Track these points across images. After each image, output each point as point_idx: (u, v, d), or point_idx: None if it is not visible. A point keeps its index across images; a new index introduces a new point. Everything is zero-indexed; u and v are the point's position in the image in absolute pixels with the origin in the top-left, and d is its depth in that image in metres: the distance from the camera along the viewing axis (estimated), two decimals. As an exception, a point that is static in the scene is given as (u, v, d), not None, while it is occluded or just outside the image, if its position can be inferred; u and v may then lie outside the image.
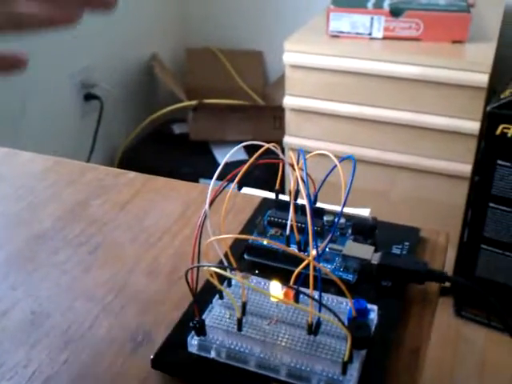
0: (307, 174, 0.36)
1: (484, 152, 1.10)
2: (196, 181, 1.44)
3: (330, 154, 0.33)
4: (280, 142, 1.29)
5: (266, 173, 1.31)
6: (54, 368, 0.35)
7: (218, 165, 1.33)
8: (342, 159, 0.34)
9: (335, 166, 0.34)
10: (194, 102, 1.48)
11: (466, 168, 1.16)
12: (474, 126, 1.11)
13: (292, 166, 0.38)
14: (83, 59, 1.42)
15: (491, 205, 1.13)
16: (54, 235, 0.45)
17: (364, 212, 0.88)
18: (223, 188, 0.36)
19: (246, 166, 0.35)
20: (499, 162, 1.08)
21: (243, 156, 1.48)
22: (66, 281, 0.41)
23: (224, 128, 1.50)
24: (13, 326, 0.38)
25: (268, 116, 1.48)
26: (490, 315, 1.28)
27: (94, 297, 0.40)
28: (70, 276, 0.42)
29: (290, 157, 0.38)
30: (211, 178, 1.41)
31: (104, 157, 1.55)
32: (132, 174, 0.53)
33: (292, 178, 0.38)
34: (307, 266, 0.32)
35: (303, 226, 0.40)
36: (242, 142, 1.50)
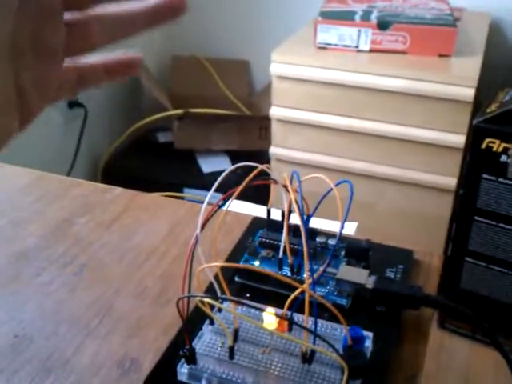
0: (302, 196, 0.35)
1: (469, 166, 1.10)
2: (180, 190, 1.42)
3: (326, 178, 0.32)
4: (266, 153, 1.28)
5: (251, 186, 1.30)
6: (37, 396, 0.34)
7: (203, 174, 1.32)
8: (337, 183, 0.33)
9: (331, 189, 0.33)
10: (179, 111, 1.47)
11: (452, 181, 1.16)
12: (459, 139, 1.12)
13: (286, 187, 0.37)
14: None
15: (476, 218, 1.13)
16: (38, 254, 0.44)
17: (351, 226, 0.87)
18: (216, 211, 0.35)
19: (239, 189, 0.34)
20: (484, 175, 1.08)
21: (228, 166, 1.47)
22: (50, 303, 0.40)
23: (209, 137, 1.49)
24: (-6, 351, 0.36)
25: (254, 126, 1.48)
26: (475, 328, 1.28)
27: (79, 320, 0.38)
28: (55, 298, 0.40)
29: (284, 179, 0.37)
30: (196, 188, 1.40)
31: (87, 165, 1.53)
32: (118, 190, 0.51)
33: (285, 198, 0.37)
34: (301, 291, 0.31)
35: (296, 247, 0.39)
36: (227, 151, 1.50)
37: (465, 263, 1.22)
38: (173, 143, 1.53)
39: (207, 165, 1.48)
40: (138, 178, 1.41)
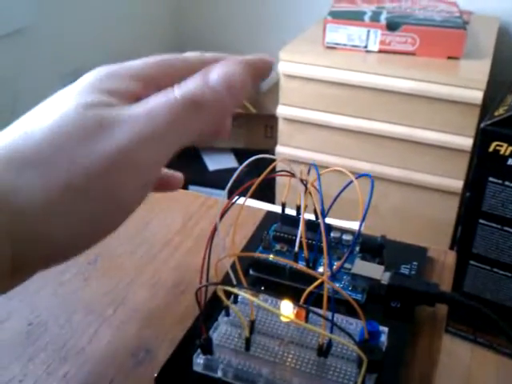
0: (317, 189, 0.35)
1: (476, 169, 1.10)
2: (185, 187, 1.42)
3: (346, 171, 0.32)
4: (271, 152, 1.28)
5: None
6: (52, 384, 0.34)
7: (208, 172, 1.32)
8: (358, 176, 0.33)
9: (350, 181, 0.33)
10: (185, 108, 1.47)
11: (458, 184, 1.16)
12: (466, 142, 1.12)
13: (302, 181, 0.37)
14: (74, 60, 1.41)
15: (481, 221, 1.14)
16: (52, 243, 0.44)
17: (357, 225, 0.87)
18: (233, 203, 0.35)
19: (257, 181, 0.34)
20: (491, 179, 1.08)
21: (233, 164, 1.47)
22: (64, 291, 0.40)
23: (215, 135, 1.48)
24: (8, 337, 0.36)
25: (260, 124, 1.48)
26: (476, 331, 1.28)
27: (94, 309, 0.39)
28: (69, 287, 0.40)
29: (301, 172, 0.37)
30: (200, 185, 1.40)
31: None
32: (131, 182, 0.51)
33: (302, 192, 0.37)
34: (318, 284, 0.31)
35: (310, 242, 0.39)
36: (232, 149, 1.49)
37: (469, 266, 1.22)
38: (178, 140, 1.52)
39: (212, 162, 1.48)
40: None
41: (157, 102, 0.26)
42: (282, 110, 1.23)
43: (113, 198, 0.26)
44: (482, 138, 1.06)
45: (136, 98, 0.26)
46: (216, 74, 0.27)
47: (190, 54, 0.30)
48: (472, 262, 1.17)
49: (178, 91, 0.26)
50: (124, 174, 0.25)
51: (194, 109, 0.26)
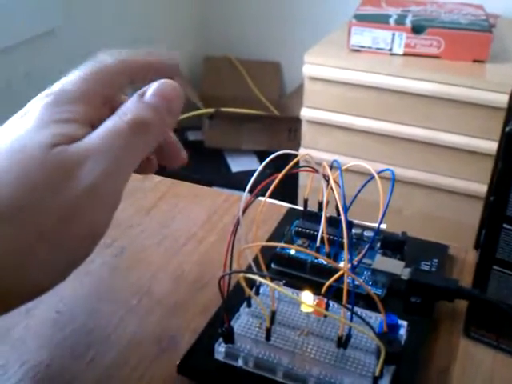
0: (339, 185, 0.36)
1: (500, 173, 1.09)
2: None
3: (368, 166, 0.33)
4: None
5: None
6: (78, 369, 0.35)
7: (231, 173, 1.34)
8: (379, 171, 0.34)
9: (372, 177, 0.34)
10: (210, 110, 1.48)
11: (482, 188, 1.15)
12: (491, 145, 1.11)
13: (325, 177, 0.38)
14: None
15: (505, 226, 1.12)
16: (80, 235, 0.45)
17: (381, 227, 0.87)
18: (255, 198, 0.36)
19: (280, 175, 0.35)
20: (515, 183, 1.07)
21: (256, 166, 1.48)
22: (91, 281, 0.41)
23: (239, 137, 1.50)
24: (37, 324, 0.38)
25: (284, 127, 1.49)
26: (500, 337, 1.27)
27: (119, 299, 0.40)
28: (95, 277, 0.41)
29: (324, 167, 0.37)
30: (223, 187, 1.42)
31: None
32: (158, 178, 0.53)
33: (324, 187, 0.38)
34: (339, 277, 0.32)
35: (332, 237, 0.40)
36: (255, 151, 1.51)
37: (492, 271, 1.20)
38: (202, 142, 1.54)
39: (236, 164, 1.49)
40: (167, 175, 1.43)
41: (108, 131, 0.27)
42: (305, 113, 1.24)
43: (87, 233, 0.27)
44: (507, 141, 1.05)
45: (90, 121, 0.28)
46: (153, 94, 0.29)
47: (112, 63, 0.32)
48: (495, 267, 1.16)
49: (124, 117, 0.28)
50: (94, 209, 0.27)
51: (141, 131, 0.28)
